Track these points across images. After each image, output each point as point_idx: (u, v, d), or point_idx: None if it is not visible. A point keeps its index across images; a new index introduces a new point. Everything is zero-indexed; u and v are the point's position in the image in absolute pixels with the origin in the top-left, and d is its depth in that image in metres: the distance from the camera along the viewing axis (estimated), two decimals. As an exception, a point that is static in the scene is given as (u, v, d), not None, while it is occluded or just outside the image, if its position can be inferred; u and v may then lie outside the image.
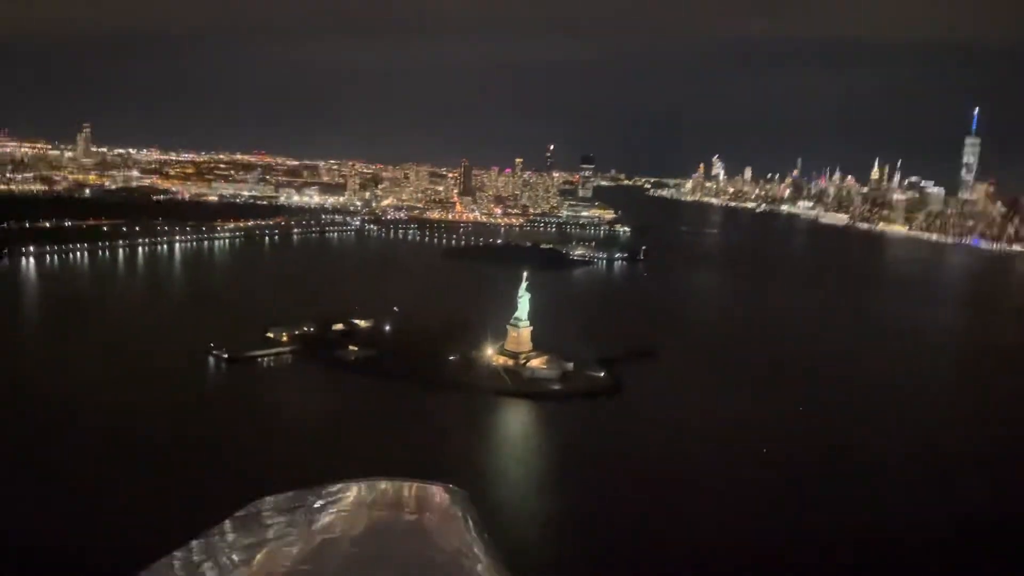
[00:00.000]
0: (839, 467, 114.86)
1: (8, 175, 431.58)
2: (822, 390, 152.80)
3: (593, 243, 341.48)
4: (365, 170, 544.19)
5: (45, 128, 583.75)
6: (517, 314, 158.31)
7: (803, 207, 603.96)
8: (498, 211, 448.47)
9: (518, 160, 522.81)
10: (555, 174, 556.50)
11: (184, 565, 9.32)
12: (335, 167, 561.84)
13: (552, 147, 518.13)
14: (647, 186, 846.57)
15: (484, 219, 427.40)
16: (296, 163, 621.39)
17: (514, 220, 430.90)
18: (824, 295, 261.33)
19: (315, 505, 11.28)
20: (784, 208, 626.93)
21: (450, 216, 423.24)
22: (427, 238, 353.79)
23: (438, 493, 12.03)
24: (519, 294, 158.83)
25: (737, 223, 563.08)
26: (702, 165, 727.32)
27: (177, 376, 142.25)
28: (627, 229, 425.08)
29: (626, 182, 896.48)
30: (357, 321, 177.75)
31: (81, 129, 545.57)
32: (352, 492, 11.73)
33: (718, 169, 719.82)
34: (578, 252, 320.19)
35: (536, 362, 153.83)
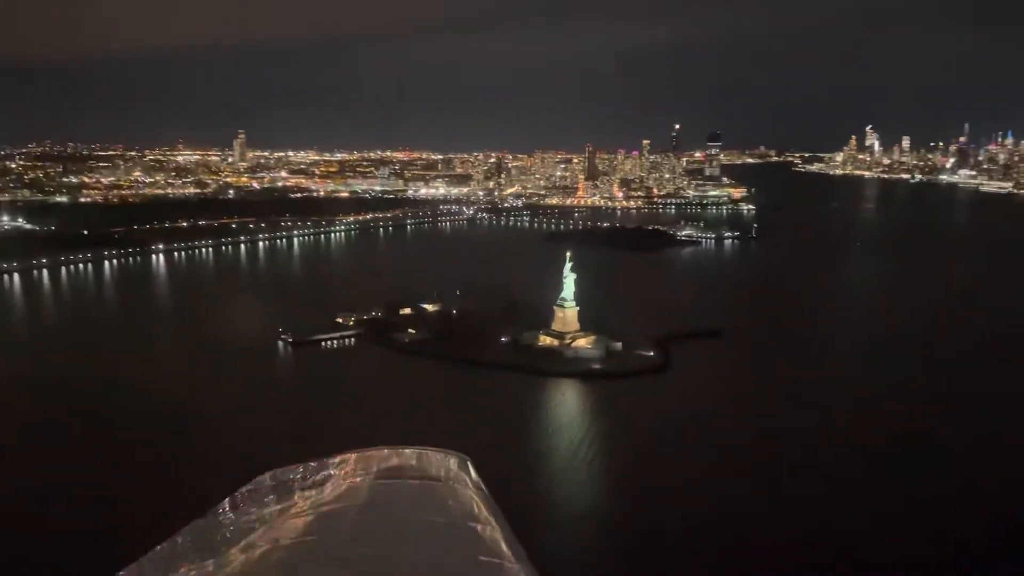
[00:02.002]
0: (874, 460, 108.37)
1: (168, 181, 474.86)
2: (902, 378, 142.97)
3: (702, 223, 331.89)
4: (505, 159, 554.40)
5: (217, 136, 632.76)
6: (563, 294, 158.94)
7: (963, 176, 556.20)
8: (619, 194, 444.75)
9: (645, 142, 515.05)
10: (693, 154, 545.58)
11: (194, 539, 9.52)
12: (469, 159, 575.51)
13: (678, 127, 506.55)
14: (797, 162, 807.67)
15: (604, 203, 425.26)
16: (439, 157, 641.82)
17: (633, 203, 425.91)
18: (949, 273, 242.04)
19: (318, 476, 11.64)
20: (943, 178, 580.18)
21: (568, 201, 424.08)
22: (538, 224, 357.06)
23: (440, 459, 12.34)
24: (564, 274, 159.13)
25: (889, 196, 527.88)
26: (854, 137, 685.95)
27: (248, 357, 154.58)
28: (752, 207, 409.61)
29: (775, 158, 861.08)
30: (426, 305, 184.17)
31: (237, 135, 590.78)
32: (355, 462, 12.11)
33: (872, 140, 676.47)
34: (685, 232, 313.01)
35: (581, 342, 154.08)
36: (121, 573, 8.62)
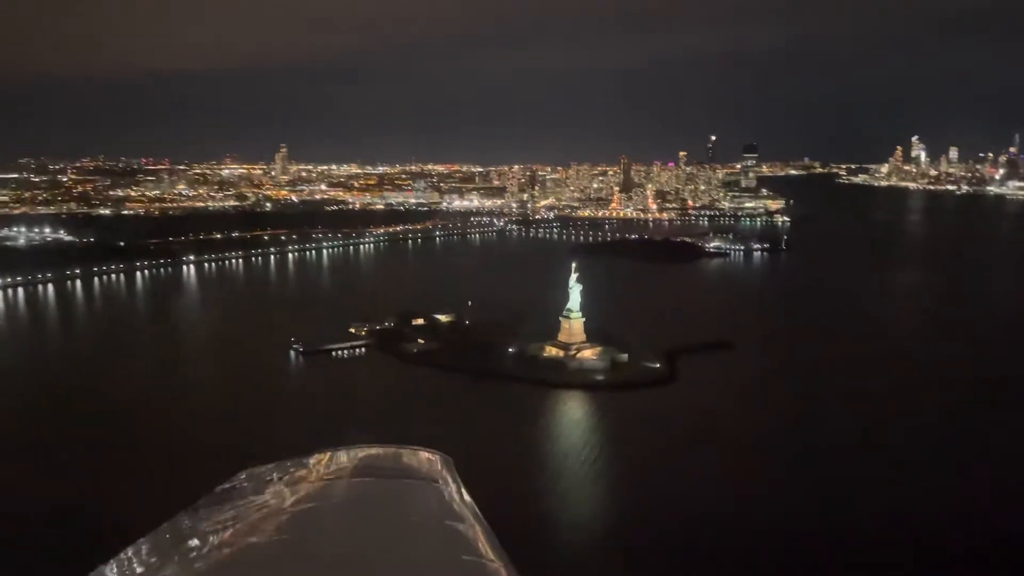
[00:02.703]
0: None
1: (210, 194, 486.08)
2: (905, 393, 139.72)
3: (731, 234, 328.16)
4: (540, 171, 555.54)
5: (264, 151, 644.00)
6: (569, 306, 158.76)
7: (1012, 187, 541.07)
8: (653, 206, 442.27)
9: (682, 154, 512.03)
10: (735, 166, 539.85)
11: (169, 538, 9.46)
12: (507, 172, 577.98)
13: (714, 138, 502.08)
14: (841, 173, 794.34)
15: (636, 215, 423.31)
16: (479, 170, 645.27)
17: (666, 215, 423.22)
18: (983, 286, 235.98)
19: (296, 474, 11.56)
20: (991, 190, 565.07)
21: (600, 213, 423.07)
22: (567, 236, 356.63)
23: (421, 458, 12.27)
24: (570, 285, 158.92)
25: (932, 207, 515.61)
26: (899, 148, 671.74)
27: (258, 366, 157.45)
28: (787, 219, 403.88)
29: (820, 170, 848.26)
30: (439, 316, 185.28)
31: (279, 149, 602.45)
32: (333, 460, 12.02)
33: (918, 151, 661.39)
34: (714, 244, 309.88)
35: (587, 353, 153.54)
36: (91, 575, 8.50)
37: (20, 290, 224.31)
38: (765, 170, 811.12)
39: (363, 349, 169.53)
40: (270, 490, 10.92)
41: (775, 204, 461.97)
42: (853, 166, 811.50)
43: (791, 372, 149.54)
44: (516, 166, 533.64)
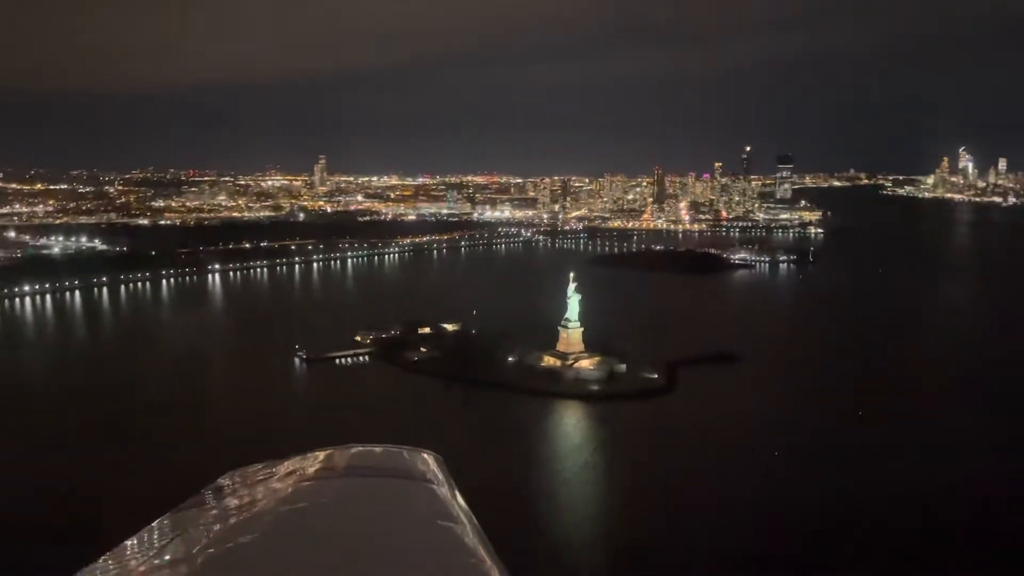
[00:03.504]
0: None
1: (248, 205, 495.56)
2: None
3: (756, 246, 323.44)
4: (572, 182, 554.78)
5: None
6: (567, 315, 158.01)
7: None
8: (686, 217, 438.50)
9: (717, 164, 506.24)
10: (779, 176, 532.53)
11: (158, 539, 9.38)
12: (543, 182, 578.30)
13: (749, 149, 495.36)
14: (887, 184, 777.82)
15: (668, 226, 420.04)
16: (518, 181, 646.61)
17: (697, 226, 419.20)
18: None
19: (286, 474, 11.44)
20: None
21: (630, 224, 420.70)
22: (593, 247, 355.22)
23: (414, 458, 12.21)
24: (568, 295, 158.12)
25: (977, 219, 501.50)
26: (946, 159, 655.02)
27: (263, 372, 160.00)
28: (820, 231, 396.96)
29: (865, 181, 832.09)
30: (445, 325, 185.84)
31: (318, 160, 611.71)
32: (321, 460, 11.93)
33: (965, 162, 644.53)
34: (739, 256, 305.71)
35: (584, 363, 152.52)
36: None
37: (48, 297, 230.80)
38: (808, 181, 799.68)
39: (366, 357, 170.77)
40: (258, 490, 10.85)
41: (811, 216, 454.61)
42: (900, 177, 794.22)
43: (792, 388, 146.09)
44: (556, 177, 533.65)
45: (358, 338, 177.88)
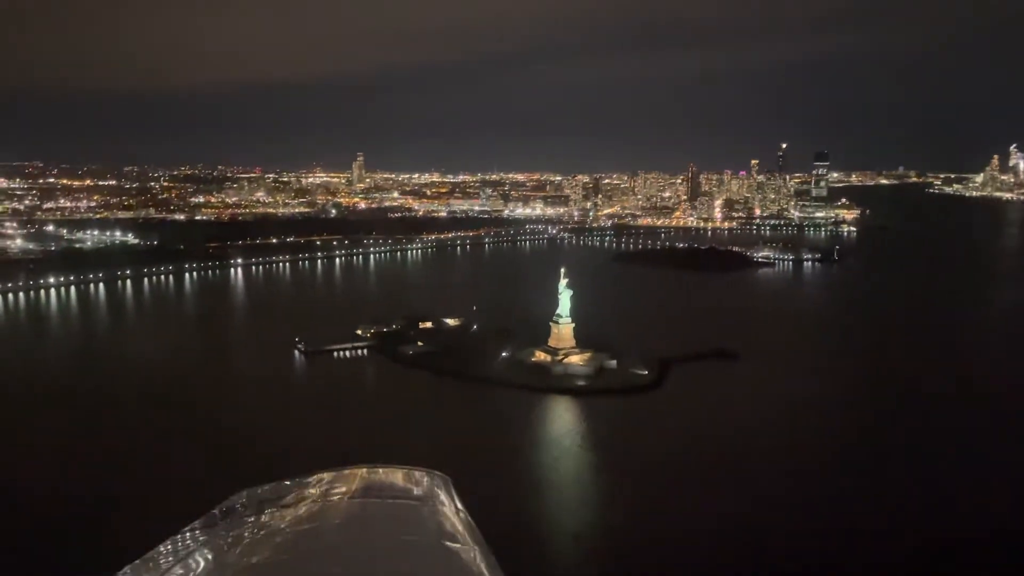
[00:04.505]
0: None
1: (285, 201, 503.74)
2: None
3: (780, 244, 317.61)
4: (603, 180, 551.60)
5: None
6: (558, 311, 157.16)
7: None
8: (719, 215, 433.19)
9: (753, 162, 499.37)
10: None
11: (167, 559, 9.35)
12: (572, 179, 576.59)
13: (785, 146, 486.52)
14: (936, 182, 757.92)
15: (700, 223, 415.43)
16: (559, 179, 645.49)
17: (728, 223, 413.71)
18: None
19: (294, 495, 11.58)
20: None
21: (660, 222, 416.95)
22: (619, 244, 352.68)
23: (419, 478, 12.34)
24: (559, 291, 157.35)
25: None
26: (996, 157, 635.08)
27: (262, 363, 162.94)
28: (853, 229, 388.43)
29: (914, 179, 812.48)
30: (447, 320, 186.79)
31: (356, 157, 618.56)
32: (332, 481, 12.05)
33: (1016, 159, 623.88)
34: (762, 254, 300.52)
35: (574, 359, 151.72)
36: None
37: (72, 288, 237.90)
38: (855, 179, 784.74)
39: (364, 350, 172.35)
40: (268, 511, 10.91)
41: (849, 214, 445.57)
42: (951, 175, 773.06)
43: (786, 388, 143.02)
44: (581, 175, 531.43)
45: (359, 331, 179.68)
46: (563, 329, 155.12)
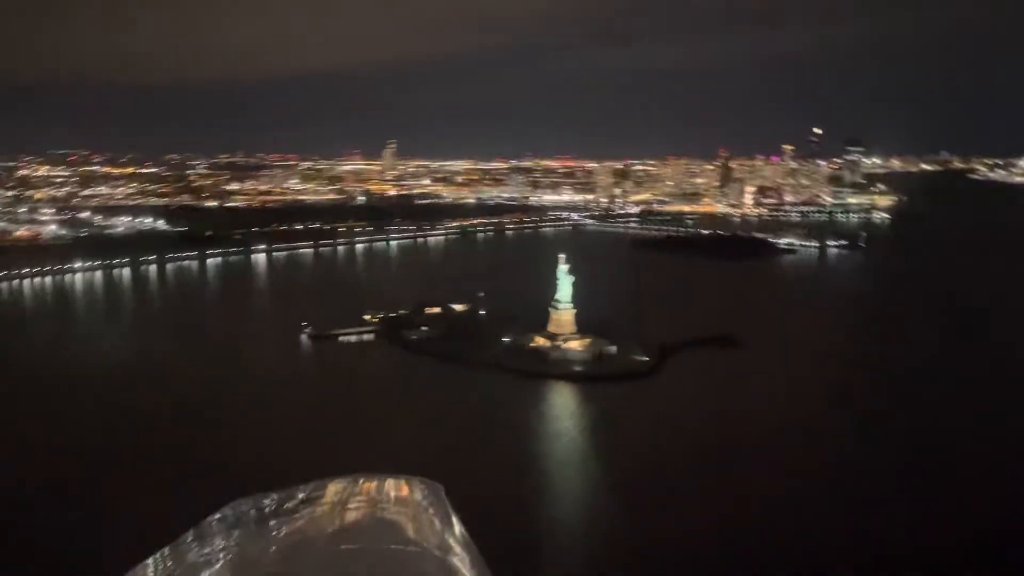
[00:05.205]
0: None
1: (317, 188, 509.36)
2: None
3: (805, 230, 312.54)
4: (632, 166, 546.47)
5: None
6: (557, 296, 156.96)
7: None
8: (749, 201, 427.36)
9: (787, 147, 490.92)
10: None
11: (165, 566, 9.39)
12: (602, 165, 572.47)
13: (818, 131, 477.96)
14: (980, 168, 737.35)
15: (729, 210, 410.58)
16: (594, 165, 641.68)
17: (758, 210, 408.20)
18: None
19: (292, 504, 11.50)
20: None
21: (687, 209, 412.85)
22: (642, 230, 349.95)
23: (413, 487, 12.31)
24: (559, 277, 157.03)
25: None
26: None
27: (271, 346, 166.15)
28: (886, 216, 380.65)
29: (958, 165, 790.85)
30: (454, 306, 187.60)
31: (387, 145, 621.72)
32: (327, 490, 12.03)
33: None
34: (785, 241, 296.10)
35: (573, 344, 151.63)
36: None
37: (99, 273, 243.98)
38: (895, 164, 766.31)
39: (371, 335, 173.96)
40: (261, 521, 10.92)
41: (885, 200, 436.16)
42: (999, 161, 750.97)
43: (785, 375, 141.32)
44: (609, 161, 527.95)
45: (366, 317, 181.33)
46: (563, 315, 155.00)
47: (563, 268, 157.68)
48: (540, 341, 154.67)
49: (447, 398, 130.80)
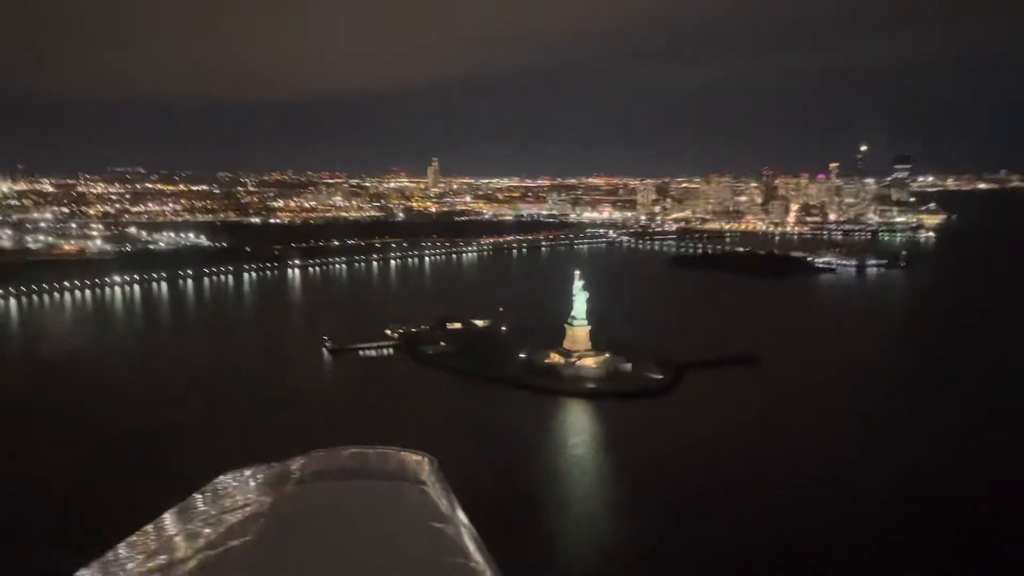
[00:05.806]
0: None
1: (360, 205, 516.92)
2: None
3: (843, 249, 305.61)
4: (670, 184, 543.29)
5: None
6: (573, 313, 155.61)
7: None
8: (791, 219, 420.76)
9: (833, 165, 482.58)
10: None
11: (151, 541, 9.34)
12: (641, 183, 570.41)
13: (864, 148, 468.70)
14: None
15: (770, 228, 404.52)
16: (637, 183, 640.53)
17: (800, 228, 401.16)
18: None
19: (279, 476, 11.62)
20: None
21: (727, 227, 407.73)
22: (679, 248, 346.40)
23: (408, 460, 12.42)
24: (574, 293, 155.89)
25: None
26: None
27: (290, 360, 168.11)
28: (931, 235, 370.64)
29: (1018, 184, 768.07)
30: (476, 321, 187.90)
31: (431, 163, 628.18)
32: (318, 461, 12.10)
33: None
34: (823, 259, 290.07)
35: (588, 361, 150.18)
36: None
37: (136, 286, 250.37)
38: (950, 183, 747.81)
39: (390, 349, 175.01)
40: (251, 493, 10.96)
41: (933, 219, 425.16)
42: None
43: (802, 397, 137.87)
44: (652, 179, 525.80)
45: (388, 331, 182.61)
46: (577, 331, 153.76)
47: (578, 284, 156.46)
48: (555, 358, 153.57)
49: (454, 412, 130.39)
